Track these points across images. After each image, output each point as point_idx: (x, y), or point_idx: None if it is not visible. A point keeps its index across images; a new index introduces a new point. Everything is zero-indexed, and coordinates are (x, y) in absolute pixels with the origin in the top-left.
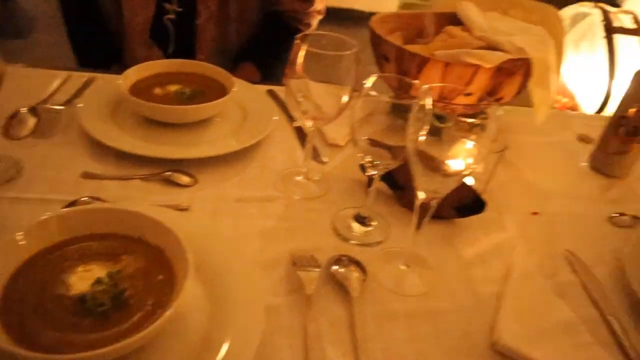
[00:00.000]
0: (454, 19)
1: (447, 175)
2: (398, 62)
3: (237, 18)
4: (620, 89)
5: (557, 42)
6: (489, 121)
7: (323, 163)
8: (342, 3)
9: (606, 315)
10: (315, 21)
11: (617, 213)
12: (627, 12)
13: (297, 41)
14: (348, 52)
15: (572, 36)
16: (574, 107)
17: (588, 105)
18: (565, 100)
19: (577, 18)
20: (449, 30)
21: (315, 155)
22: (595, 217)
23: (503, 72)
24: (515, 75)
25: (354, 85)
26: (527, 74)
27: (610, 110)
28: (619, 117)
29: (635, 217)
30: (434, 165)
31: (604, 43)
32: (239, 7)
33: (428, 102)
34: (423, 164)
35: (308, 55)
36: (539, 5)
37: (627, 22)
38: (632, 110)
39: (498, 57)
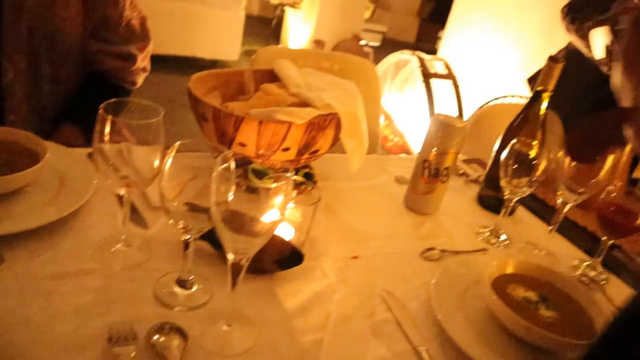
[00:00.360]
0: (272, 76)
1: (255, 234)
2: (216, 122)
3: (51, 77)
4: None
5: (373, 91)
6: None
7: (146, 227)
8: (184, 51)
9: (416, 347)
10: (140, 79)
11: (427, 248)
12: (439, 59)
13: (100, 111)
14: (154, 120)
15: (397, 80)
16: (404, 146)
17: (416, 143)
18: (396, 139)
19: (400, 64)
20: (266, 87)
21: (138, 220)
22: (409, 254)
23: (315, 126)
24: (327, 128)
25: (164, 150)
26: (338, 127)
27: None
28: (423, 161)
29: (442, 251)
30: (242, 224)
31: (423, 86)
32: (53, 66)
33: (230, 165)
34: (232, 224)
35: (114, 124)
36: (356, 59)
37: (440, 68)
38: (432, 154)
39: (308, 114)
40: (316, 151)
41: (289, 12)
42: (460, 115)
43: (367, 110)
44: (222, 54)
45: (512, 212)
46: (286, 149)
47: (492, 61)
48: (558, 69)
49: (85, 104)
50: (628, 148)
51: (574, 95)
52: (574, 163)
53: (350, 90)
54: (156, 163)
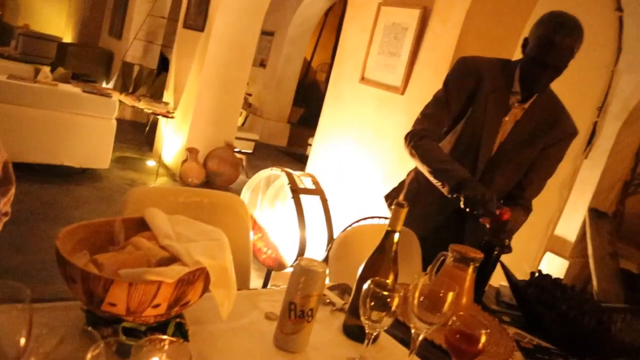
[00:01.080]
0: (143, 224)
1: None
2: (84, 284)
3: None
4: (310, 243)
5: (243, 224)
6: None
7: None
8: (51, 159)
9: None
10: (1, 224)
11: None
12: (307, 174)
13: None
14: (20, 306)
15: (268, 195)
16: (277, 258)
17: (290, 256)
18: (270, 252)
19: (271, 179)
20: (135, 242)
21: None
22: None
23: (185, 282)
24: (197, 282)
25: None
26: (208, 278)
27: None
28: (289, 303)
29: None
30: None
31: (293, 202)
32: None
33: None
34: None
35: None
36: (225, 194)
37: (308, 183)
38: (297, 297)
39: (177, 272)
40: (187, 303)
41: (162, 120)
42: (330, 229)
43: (238, 244)
44: (92, 162)
45: (375, 339)
46: (157, 305)
47: (356, 176)
48: (404, 212)
49: None
50: (470, 269)
51: (428, 211)
52: (422, 298)
53: (218, 239)
54: (22, 341)
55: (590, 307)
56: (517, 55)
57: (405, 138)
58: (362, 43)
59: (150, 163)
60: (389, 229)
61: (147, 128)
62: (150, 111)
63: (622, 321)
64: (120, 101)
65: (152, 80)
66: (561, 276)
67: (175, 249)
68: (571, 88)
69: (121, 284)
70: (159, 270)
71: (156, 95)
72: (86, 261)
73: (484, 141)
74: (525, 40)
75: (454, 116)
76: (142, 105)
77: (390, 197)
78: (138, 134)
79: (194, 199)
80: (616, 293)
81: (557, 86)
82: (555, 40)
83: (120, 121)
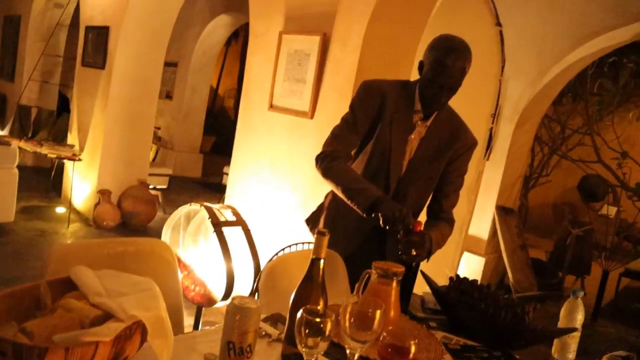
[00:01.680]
0: (69, 283)
1: None
2: (16, 356)
3: None
4: (238, 275)
5: (172, 268)
6: None
7: None
8: None
9: None
10: None
11: None
12: (227, 207)
13: None
14: None
15: (190, 232)
16: (206, 294)
17: (219, 291)
18: (198, 289)
19: (191, 214)
20: (65, 304)
21: None
22: None
23: (122, 338)
24: (134, 336)
25: None
26: (144, 330)
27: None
28: (227, 342)
29: None
30: None
31: (215, 236)
32: None
33: None
34: None
35: None
36: (148, 240)
37: (229, 215)
38: (234, 335)
39: (114, 330)
40: (125, 358)
41: (68, 164)
42: (255, 259)
43: (167, 288)
44: None
45: None
46: None
47: (275, 203)
48: (326, 240)
49: None
50: (394, 283)
51: (349, 230)
52: (352, 319)
53: (150, 289)
54: None
55: (505, 302)
56: (414, 75)
57: (317, 159)
58: (267, 71)
59: (60, 210)
60: (314, 257)
61: (53, 173)
62: (54, 156)
63: (534, 309)
64: (20, 148)
65: (53, 122)
66: (480, 272)
67: (108, 305)
68: (467, 100)
69: (56, 350)
70: (94, 330)
71: (59, 138)
72: (15, 331)
73: (393, 160)
74: (421, 64)
75: (362, 137)
76: (45, 150)
77: (311, 221)
78: (43, 181)
79: (118, 249)
80: (529, 281)
81: (455, 100)
82: (448, 64)
83: (21, 168)
